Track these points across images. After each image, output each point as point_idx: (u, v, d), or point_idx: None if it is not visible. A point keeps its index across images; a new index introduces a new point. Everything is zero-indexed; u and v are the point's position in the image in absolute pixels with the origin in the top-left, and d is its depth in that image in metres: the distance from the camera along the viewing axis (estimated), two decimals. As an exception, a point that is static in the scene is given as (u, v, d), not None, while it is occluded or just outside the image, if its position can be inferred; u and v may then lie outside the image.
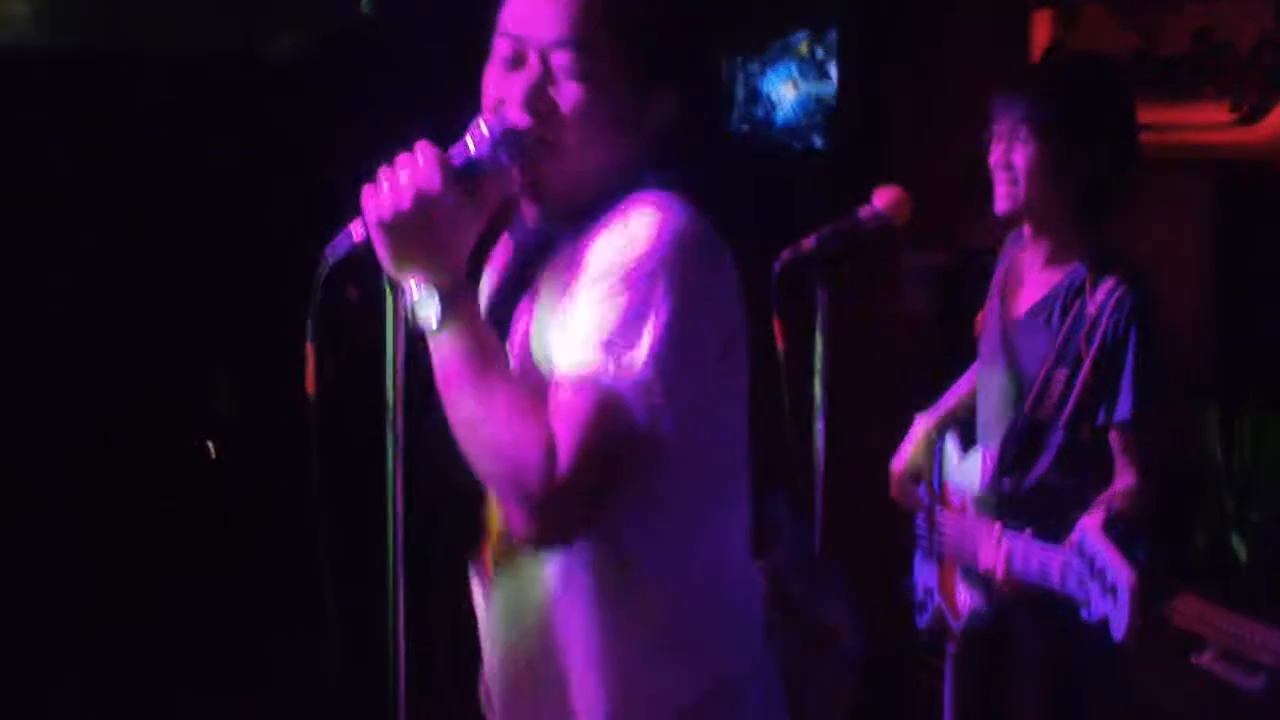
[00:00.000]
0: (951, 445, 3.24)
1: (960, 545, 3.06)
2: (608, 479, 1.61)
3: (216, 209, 4.66)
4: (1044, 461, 2.95)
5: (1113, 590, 2.54)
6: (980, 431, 3.14)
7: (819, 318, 2.91)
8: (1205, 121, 4.64)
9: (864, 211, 2.94)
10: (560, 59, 1.74)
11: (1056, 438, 2.93)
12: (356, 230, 1.74)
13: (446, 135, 1.74)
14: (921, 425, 3.31)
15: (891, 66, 5.52)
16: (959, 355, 4.92)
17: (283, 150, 4.70)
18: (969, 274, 5.24)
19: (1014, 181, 2.92)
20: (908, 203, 2.94)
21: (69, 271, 4.49)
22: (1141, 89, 4.54)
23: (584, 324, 1.63)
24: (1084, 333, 2.87)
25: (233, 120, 4.75)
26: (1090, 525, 2.66)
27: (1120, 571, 2.54)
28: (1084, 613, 2.63)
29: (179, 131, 4.66)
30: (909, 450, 3.29)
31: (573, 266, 1.71)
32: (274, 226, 4.47)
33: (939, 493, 3.24)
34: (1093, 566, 2.60)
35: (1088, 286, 2.88)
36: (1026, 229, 3.06)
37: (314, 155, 4.38)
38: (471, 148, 1.73)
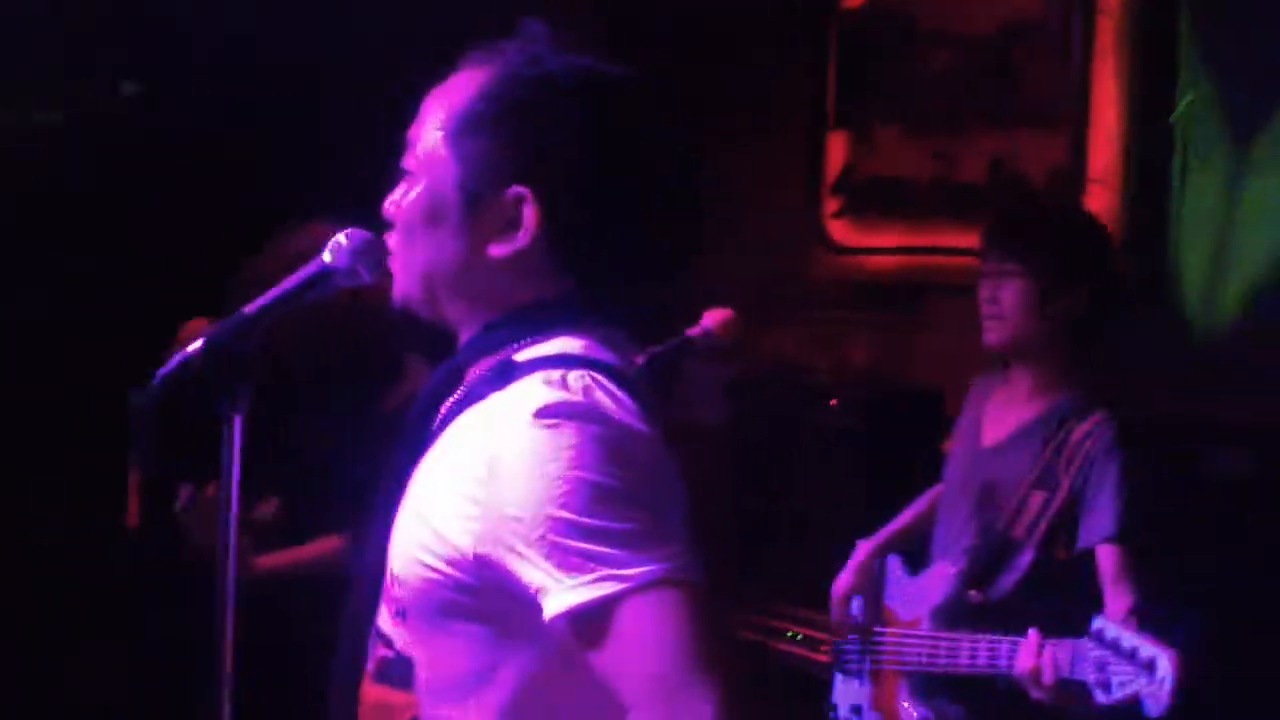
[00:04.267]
0: (896, 567, 3.29)
1: (918, 657, 3.09)
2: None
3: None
4: (1011, 578, 3.01)
5: (1149, 666, 2.56)
6: (939, 551, 3.19)
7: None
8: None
9: (693, 331, 2.89)
10: (407, 161, 1.67)
11: (1027, 557, 3.00)
12: (190, 351, 1.61)
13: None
14: (864, 550, 3.35)
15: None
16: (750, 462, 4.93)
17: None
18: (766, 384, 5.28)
19: (1001, 316, 3.05)
20: (738, 323, 2.91)
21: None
22: (939, 214, 4.68)
23: (549, 571, 1.45)
24: (1065, 459, 2.97)
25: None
26: (1111, 615, 2.74)
27: (1161, 650, 2.56)
28: (1100, 696, 2.64)
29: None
30: (850, 574, 3.33)
31: (462, 443, 1.57)
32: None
33: (879, 613, 3.28)
34: (1118, 647, 2.62)
35: (1074, 418, 3.00)
36: (1011, 362, 3.17)
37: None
38: (328, 258, 1.69)
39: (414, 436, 1.68)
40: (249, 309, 1.67)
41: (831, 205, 5.39)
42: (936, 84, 5.10)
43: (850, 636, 3.31)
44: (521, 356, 1.59)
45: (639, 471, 1.49)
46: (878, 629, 3.25)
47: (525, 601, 1.47)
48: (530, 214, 1.59)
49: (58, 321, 4.51)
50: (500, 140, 1.60)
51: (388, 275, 1.69)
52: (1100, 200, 4.58)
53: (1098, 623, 2.67)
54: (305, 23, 4.51)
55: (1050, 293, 3.01)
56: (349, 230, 1.69)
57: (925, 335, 4.89)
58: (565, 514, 1.43)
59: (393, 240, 1.68)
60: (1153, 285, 4.47)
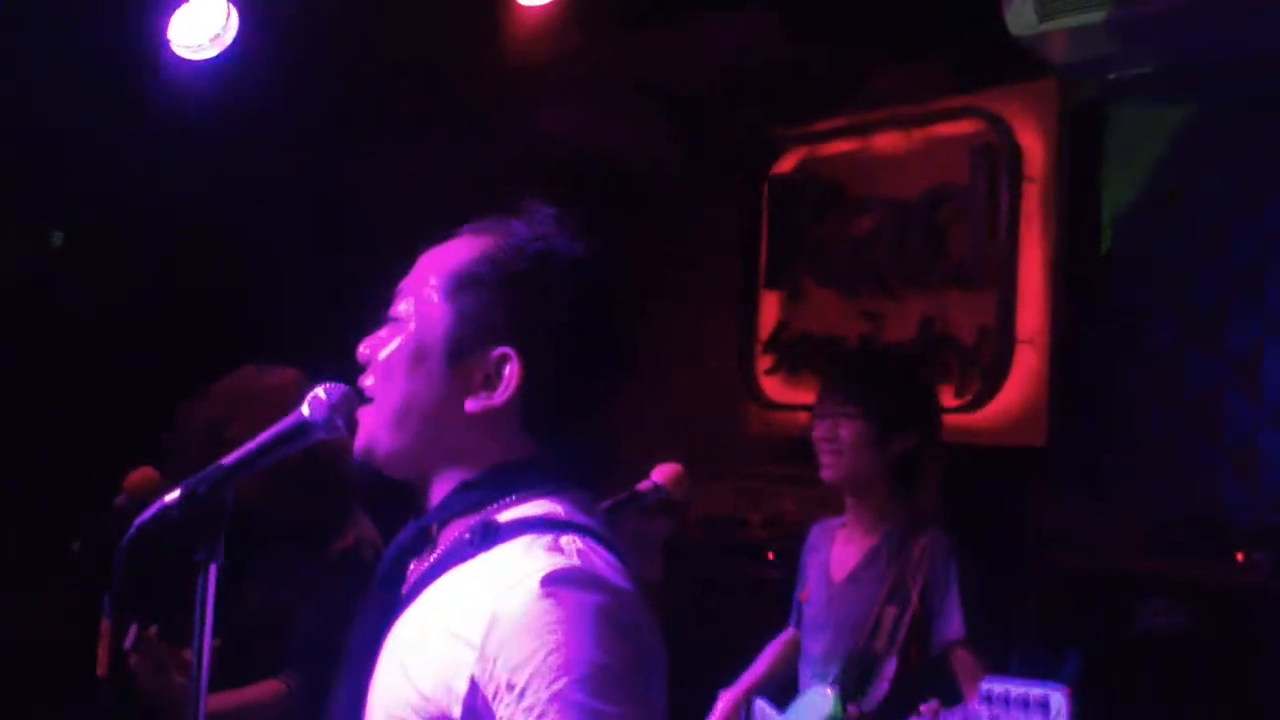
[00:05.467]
0: (763, 706, 3.43)
1: None
2: None
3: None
4: (882, 687, 3.16)
5: (1042, 706, 2.67)
6: (806, 682, 3.33)
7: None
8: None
9: (643, 486, 2.92)
10: (395, 307, 1.72)
11: (891, 666, 3.16)
12: (168, 501, 1.62)
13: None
14: (726, 699, 3.48)
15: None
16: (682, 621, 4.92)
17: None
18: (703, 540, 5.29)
19: (839, 453, 3.29)
20: (686, 477, 2.93)
21: None
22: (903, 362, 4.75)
23: None
24: (909, 573, 3.19)
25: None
26: (991, 678, 2.83)
27: (1051, 689, 2.67)
28: None
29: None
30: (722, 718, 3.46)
31: (452, 605, 1.56)
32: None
33: None
34: (1007, 700, 2.73)
35: (911, 537, 3.23)
36: (848, 500, 3.37)
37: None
38: (306, 411, 1.70)
39: (384, 596, 1.68)
40: (227, 460, 1.67)
41: (764, 363, 5.49)
42: (866, 246, 5.22)
43: None
44: (504, 518, 1.61)
45: (633, 644, 1.50)
46: None
47: None
48: (512, 373, 1.64)
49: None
50: (496, 301, 1.66)
51: (353, 426, 1.71)
52: (1028, 359, 4.68)
53: (984, 685, 2.78)
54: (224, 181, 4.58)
55: (884, 432, 3.26)
56: (328, 385, 1.70)
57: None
58: (558, 688, 1.44)
59: (367, 383, 1.70)
60: (1077, 447, 4.57)
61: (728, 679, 3.55)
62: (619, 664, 1.47)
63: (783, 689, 3.42)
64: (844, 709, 3.16)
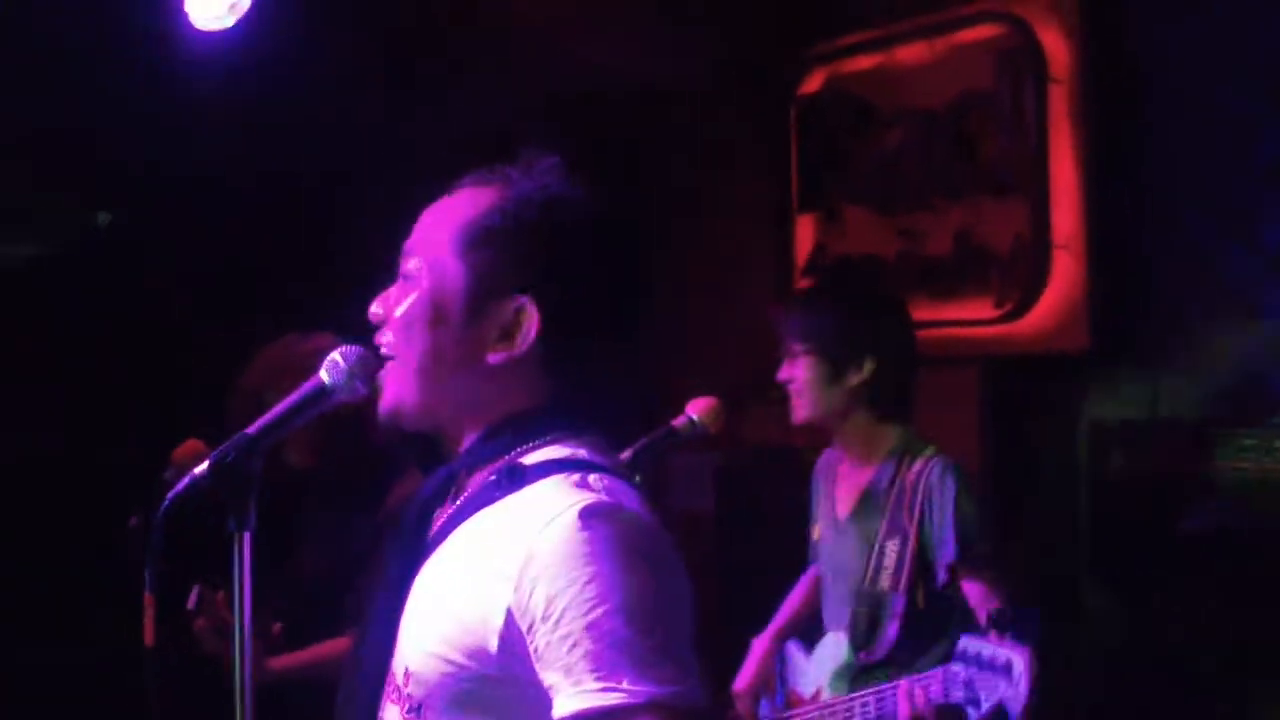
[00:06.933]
0: (794, 650, 3.39)
1: None
2: None
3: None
4: (890, 630, 3.08)
5: (1006, 669, 2.59)
6: (827, 624, 3.28)
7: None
8: (970, 318, 4.84)
9: (678, 421, 2.94)
10: (405, 265, 1.76)
11: (899, 604, 3.08)
12: (197, 472, 1.66)
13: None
14: (760, 644, 3.46)
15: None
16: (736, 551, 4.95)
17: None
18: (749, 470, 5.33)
19: (800, 393, 3.22)
20: (721, 410, 2.96)
21: None
22: (908, 289, 4.75)
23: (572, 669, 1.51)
24: (906, 505, 3.09)
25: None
26: (967, 636, 2.76)
27: (1014, 651, 2.59)
28: (972, 713, 2.67)
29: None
30: (751, 669, 3.41)
31: (485, 543, 1.63)
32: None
33: (786, 697, 3.33)
34: (980, 660, 2.65)
35: (901, 470, 3.14)
36: (831, 436, 3.31)
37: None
38: (325, 377, 1.73)
39: (412, 541, 1.75)
40: (250, 429, 1.71)
41: (802, 287, 5.47)
42: (896, 161, 5.19)
43: None
44: (531, 460, 1.68)
45: (665, 576, 1.57)
46: (786, 715, 3.29)
47: (538, 696, 1.53)
48: (530, 322, 1.69)
49: (47, 453, 4.55)
50: (509, 253, 1.71)
51: (373, 387, 1.75)
52: (1065, 265, 4.65)
53: (961, 642, 2.72)
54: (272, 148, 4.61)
55: (837, 367, 3.17)
56: (344, 348, 1.74)
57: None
58: (594, 618, 1.50)
59: (385, 341, 1.75)
60: (1119, 345, 4.55)
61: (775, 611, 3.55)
62: (652, 595, 1.54)
63: (814, 629, 3.37)
64: (855, 656, 3.12)
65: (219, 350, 3.40)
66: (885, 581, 3.09)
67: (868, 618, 3.12)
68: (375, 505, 3.02)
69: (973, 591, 3.02)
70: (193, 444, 2.89)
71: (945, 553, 3.04)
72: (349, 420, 2.56)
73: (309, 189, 4.92)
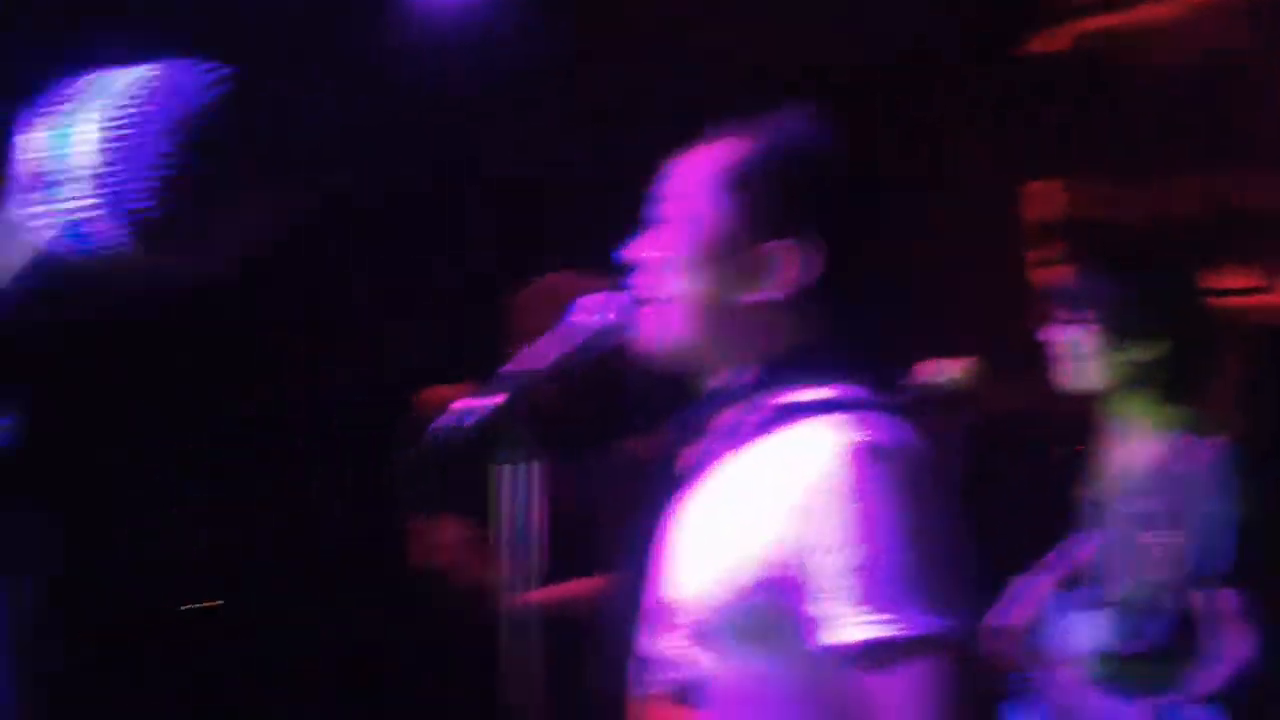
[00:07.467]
0: (1063, 605, 3.25)
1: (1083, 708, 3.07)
2: None
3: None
4: (1159, 625, 2.95)
5: None
6: (1087, 599, 3.16)
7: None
8: (1228, 287, 4.68)
9: (934, 378, 2.95)
10: (662, 210, 1.79)
11: (1169, 602, 2.93)
12: (488, 405, 1.71)
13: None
14: (1043, 585, 3.30)
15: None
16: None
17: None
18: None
19: (1075, 361, 3.11)
20: (978, 369, 2.96)
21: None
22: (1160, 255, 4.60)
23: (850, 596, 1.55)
24: (1184, 495, 2.92)
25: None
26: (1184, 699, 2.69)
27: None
28: None
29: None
30: (1029, 609, 3.28)
31: (757, 479, 1.66)
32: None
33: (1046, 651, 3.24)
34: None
35: (1187, 453, 2.95)
36: (1107, 411, 3.16)
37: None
38: (587, 320, 1.87)
39: (668, 478, 1.80)
40: (538, 368, 1.75)
41: (1044, 253, 5.35)
42: (1138, 124, 5.06)
43: (1033, 673, 3.23)
44: (796, 399, 1.69)
45: (940, 515, 1.59)
46: (1054, 669, 3.20)
47: (808, 628, 1.58)
48: (789, 265, 1.71)
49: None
50: (771, 197, 1.74)
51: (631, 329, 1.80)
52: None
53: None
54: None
55: (1122, 340, 3.04)
56: (613, 290, 1.81)
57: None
58: (871, 553, 1.54)
59: (644, 283, 1.78)
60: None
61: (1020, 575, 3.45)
62: (928, 533, 1.57)
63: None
64: (1119, 641, 3.00)
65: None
66: (1156, 575, 2.95)
67: (1135, 607, 2.99)
68: (619, 447, 3.05)
69: (1225, 610, 2.84)
70: (439, 390, 2.95)
71: (1217, 560, 2.86)
72: (594, 366, 2.59)
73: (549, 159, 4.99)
